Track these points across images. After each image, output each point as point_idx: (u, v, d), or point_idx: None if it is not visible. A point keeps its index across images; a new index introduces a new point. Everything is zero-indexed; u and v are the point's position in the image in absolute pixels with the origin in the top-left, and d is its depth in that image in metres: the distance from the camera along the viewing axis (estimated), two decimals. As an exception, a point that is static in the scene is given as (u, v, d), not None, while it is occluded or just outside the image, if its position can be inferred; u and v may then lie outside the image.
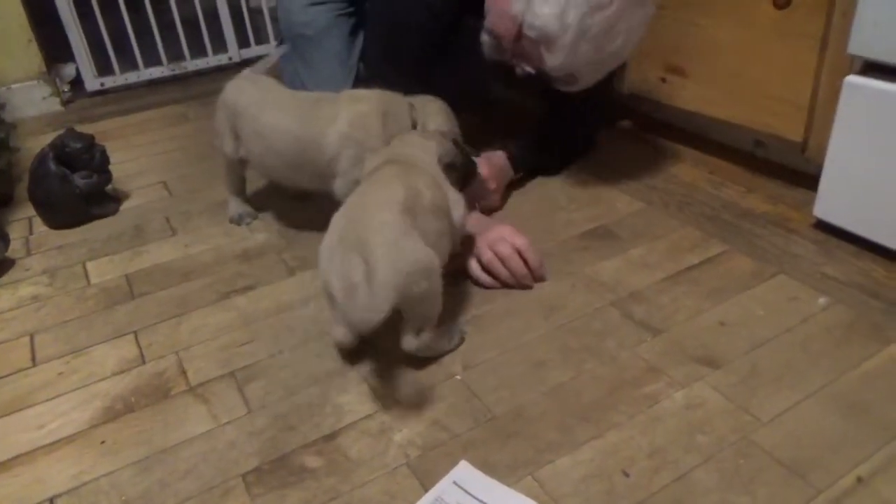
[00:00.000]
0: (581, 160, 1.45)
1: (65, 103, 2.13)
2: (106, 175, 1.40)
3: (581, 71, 1.10)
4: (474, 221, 1.09)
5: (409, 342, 0.89)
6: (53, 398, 0.93)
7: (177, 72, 2.27)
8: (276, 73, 1.28)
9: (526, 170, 1.36)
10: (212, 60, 2.30)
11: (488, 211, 1.24)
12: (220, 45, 2.29)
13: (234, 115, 1.20)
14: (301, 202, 1.35)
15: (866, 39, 0.99)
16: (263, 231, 1.30)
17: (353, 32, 1.52)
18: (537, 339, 0.96)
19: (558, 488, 0.73)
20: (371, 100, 1.14)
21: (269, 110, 1.16)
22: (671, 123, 1.52)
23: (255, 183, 1.46)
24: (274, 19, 2.28)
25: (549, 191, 1.35)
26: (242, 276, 1.16)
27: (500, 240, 1.05)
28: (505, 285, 1.07)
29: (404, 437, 0.82)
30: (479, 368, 0.92)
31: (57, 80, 2.12)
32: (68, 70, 2.20)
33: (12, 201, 1.49)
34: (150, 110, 2.04)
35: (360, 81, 1.46)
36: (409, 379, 0.91)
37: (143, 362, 0.98)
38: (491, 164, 1.25)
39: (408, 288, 0.82)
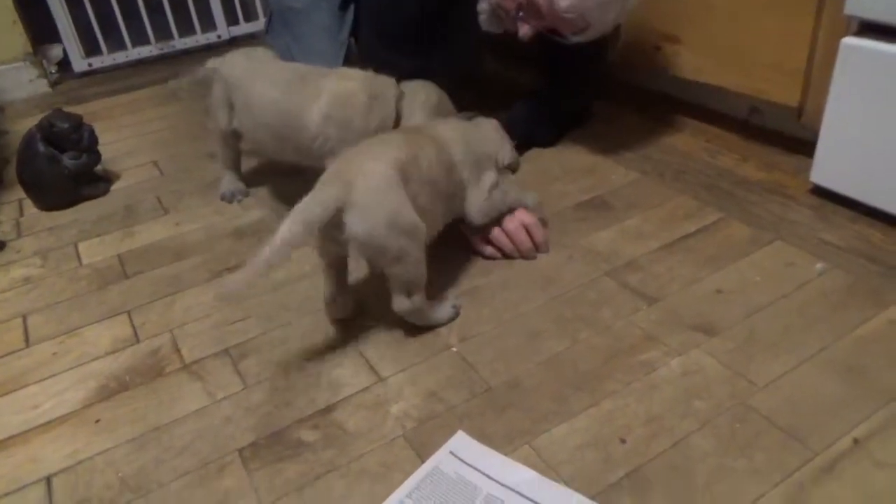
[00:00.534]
0: (575, 131, 1.43)
1: (52, 85, 2.10)
2: (95, 155, 1.39)
3: (592, 12, 1.05)
4: None
5: (400, 303, 0.89)
6: (47, 378, 0.93)
7: (165, 51, 2.24)
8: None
9: (520, 142, 1.34)
10: (200, 39, 2.27)
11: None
12: (208, 23, 2.26)
13: (228, 87, 1.19)
14: (293, 178, 1.34)
15: (863, -1, 0.97)
16: (256, 208, 1.29)
17: (343, 7, 1.49)
18: (533, 310, 0.96)
19: (555, 456, 0.73)
20: (359, 80, 1.10)
21: (259, 81, 1.15)
22: (666, 93, 1.50)
23: (248, 161, 1.44)
24: (262, -5, 2.25)
25: (543, 162, 1.34)
26: (235, 254, 1.15)
27: (506, 215, 1.04)
28: (507, 257, 1.06)
29: (400, 409, 0.82)
30: (476, 340, 0.91)
31: (44, 61, 2.09)
32: (55, 51, 2.17)
33: (2, 184, 1.48)
34: (138, 90, 2.01)
35: (352, 58, 1.44)
36: (405, 351, 0.90)
37: (137, 341, 0.98)
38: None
39: (380, 239, 0.82)
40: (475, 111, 1.12)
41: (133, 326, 1.01)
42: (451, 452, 0.74)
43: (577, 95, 1.42)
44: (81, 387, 0.90)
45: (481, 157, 1.00)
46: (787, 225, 1.08)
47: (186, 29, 2.24)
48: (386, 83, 1.12)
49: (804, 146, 1.19)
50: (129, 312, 1.04)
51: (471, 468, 0.71)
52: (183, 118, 1.77)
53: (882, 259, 0.98)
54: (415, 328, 0.93)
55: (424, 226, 0.86)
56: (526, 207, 1.05)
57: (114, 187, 1.44)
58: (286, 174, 1.35)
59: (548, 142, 1.39)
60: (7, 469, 0.79)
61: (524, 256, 1.05)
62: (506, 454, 0.74)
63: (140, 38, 2.20)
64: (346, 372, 0.88)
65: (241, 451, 0.78)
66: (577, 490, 0.69)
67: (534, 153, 1.37)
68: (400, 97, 1.12)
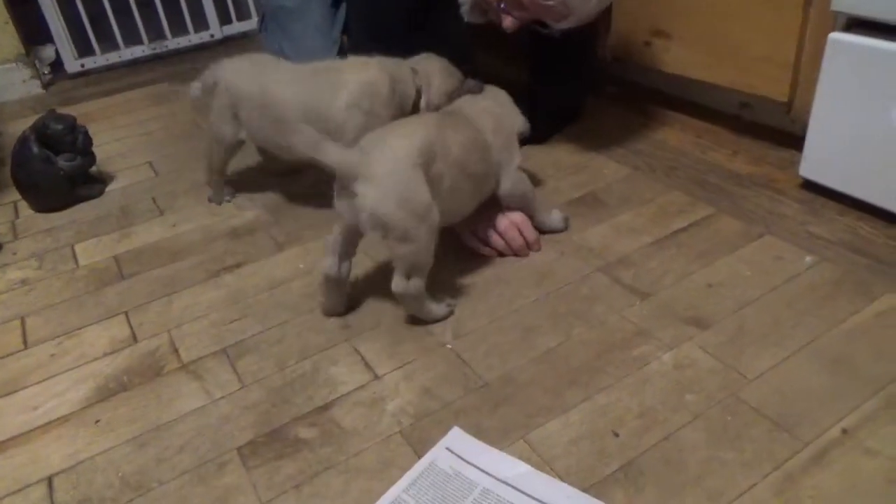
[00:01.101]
0: (566, 127, 1.44)
1: (45, 86, 2.10)
2: (90, 156, 1.39)
3: None
4: None
5: (398, 283, 0.89)
6: (46, 379, 0.93)
7: (158, 51, 2.24)
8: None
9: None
10: (193, 38, 2.27)
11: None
12: (201, 23, 2.26)
13: (235, 97, 1.16)
14: (288, 178, 1.35)
15: (849, -5, 0.98)
16: (251, 208, 1.30)
17: (335, 4, 1.50)
18: (527, 306, 0.97)
19: (549, 450, 0.74)
20: (377, 67, 1.13)
21: (274, 84, 1.14)
22: (657, 88, 1.51)
23: (241, 160, 1.45)
24: (255, -6, 2.25)
25: (535, 159, 1.35)
26: (231, 254, 1.16)
27: (497, 214, 1.05)
28: (500, 255, 1.07)
29: (397, 406, 0.83)
30: (470, 337, 0.92)
31: (36, 62, 2.09)
32: (48, 52, 2.17)
33: (-4, 186, 1.48)
34: (132, 90, 2.01)
35: (343, 55, 1.45)
36: (401, 349, 0.91)
37: (135, 341, 0.99)
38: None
39: (388, 215, 0.83)
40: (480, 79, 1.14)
41: (131, 327, 1.01)
42: (447, 448, 0.75)
43: (567, 92, 1.43)
44: (81, 387, 0.91)
45: (510, 137, 1.03)
46: (776, 219, 1.09)
47: (179, 29, 2.24)
48: (399, 63, 1.15)
49: (794, 140, 1.20)
50: (126, 313, 1.05)
51: (466, 463, 0.73)
52: (176, 118, 1.77)
53: (870, 252, 1.00)
54: (410, 326, 0.95)
55: (437, 210, 0.87)
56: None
57: (109, 188, 1.44)
58: (281, 173, 1.37)
59: (539, 138, 1.39)
60: (8, 470, 0.80)
61: (517, 254, 1.06)
62: (501, 449, 0.75)
63: (133, 39, 2.19)
64: (343, 370, 0.89)
65: (239, 449, 0.79)
66: (572, 483, 0.70)
67: (525, 150, 1.36)
68: (414, 74, 1.14)
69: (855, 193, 1.07)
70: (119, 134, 1.70)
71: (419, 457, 0.75)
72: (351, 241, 0.94)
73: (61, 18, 2.05)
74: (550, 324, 0.93)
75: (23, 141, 1.33)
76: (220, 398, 0.87)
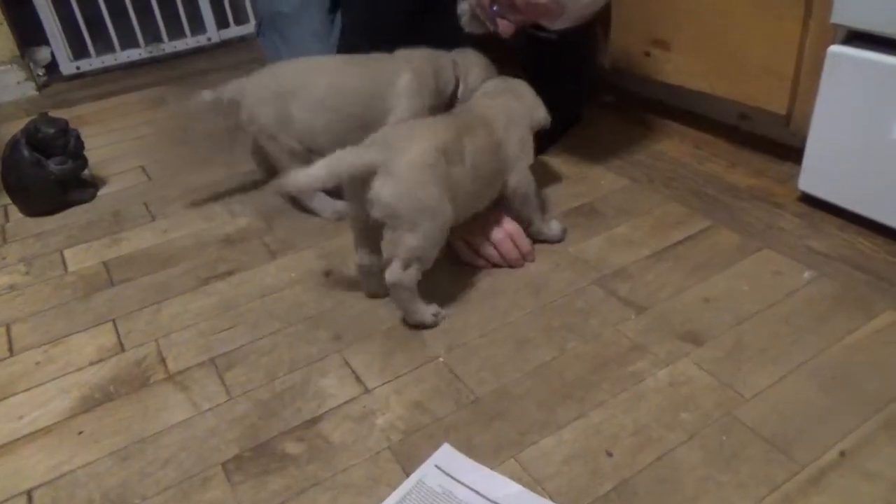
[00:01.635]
0: (564, 137, 1.43)
1: (40, 88, 2.08)
2: (81, 160, 1.37)
3: None
4: None
5: (394, 272, 0.90)
6: (32, 388, 0.91)
7: (154, 54, 2.22)
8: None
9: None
10: (190, 42, 2.26)
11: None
12: (198, 26, 2.25)
13: (282, 100, 1.15)
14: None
15: (850, 8, 0.97)
16: (244, 215, 1.28)
17: (333, 10, 1.49)
18: (521, 318, 0.95)
19: (542, 469, 0.73)
20: (424, 57, 1.18)
21: (325, 78, 1.16)
22: (656, 98, 1.50)
23: (236, 165, 1.44)
24: (253, -2, 2.24)
25: (532, 169, 1.33)
26: (223, 261, 1.15)
27: (491, 224, 1.04)
28: (494, 266, 1.05)
29: (386, 420, 0.81)
30: (462, 350, 0.91)
31: (31, 63, 2.08)
32: (43, 53, 2.16)
33: (-13, 189, 1.46)
34: (127, 93, 2.00)
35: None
36: (392, 362, 0.90)
37: (122, 350, 0.97)
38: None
39: (402, 209, 0.86)
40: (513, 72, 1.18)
41: (118, 335, 1.00)
42: (437, 466, 0.73)
43: (565, 101, 1.41)
44: (65, 397, 0.89)
45: (524, 134, 1.05)
46: (775, 233, 1.08)
47: (176, 32, 2.23)
48: (442, 55, 1.21)
49: (793, 153, 1.19)
50: (114, 321, 1.03)
51: (456, 482, 0.71)
52: (171, 122, 1.75)
53: (870, 268, 0.99)
54: (402, 339, 0.93)
55: (451, 211, 0.89)
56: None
57: (101, 193, 1.42)
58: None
59: (536, 148, 1.38)
60: (-12, 482, 0.78)
61: (511, 266, 1.05)
62: (492, 467, 0.73)
63: (129, 41, 2.18)
64: (333, 382, 0.87)
65: (224, 464, 0.77)
66: None
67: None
68: (455, 65, 1.20)
69: (855, 208, 1.06)
70: (112, 137, 1.69)
71: (408, 474, 0.74)
72: (369, 235, 0.95)
73: (57, 20, 2.04)
74: (544, 337, 0.91)
75: (13, 144, 1.31)
76: (206, 410, 0.85)
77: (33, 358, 0.97)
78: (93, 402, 0.88)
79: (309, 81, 1.16)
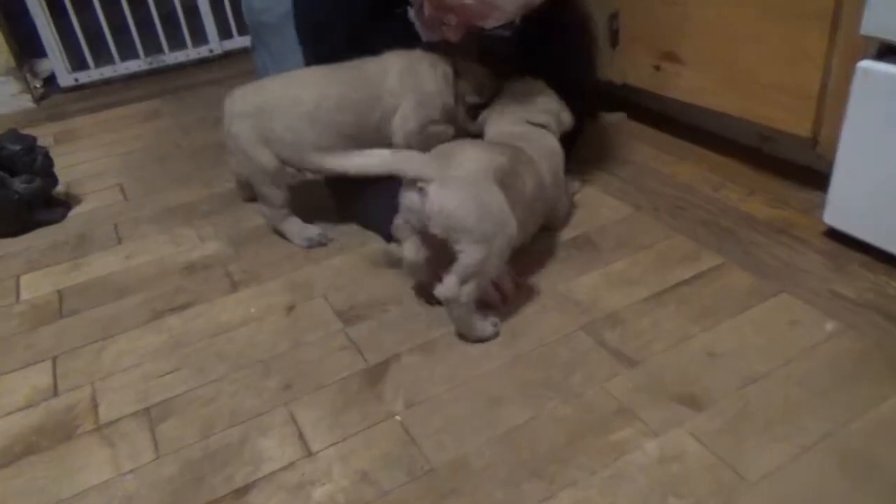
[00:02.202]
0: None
1: (37, 100, 2.04)
2: (50, 179, 1.30)
3: None
4: None
5: (450, 287, 0.83)
6: (-48, 436, 0.83)
7: (155, 65, 2.16)
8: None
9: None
10: (192, 53, 2.20)
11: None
12: (200, 38, 2.18)
13: (262, 117, 1.05)
14: (258, 207, 1.24)
15: (882, 18, 0.84)
16: (214, 239, 1.19)
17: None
18: (495, 370, 0.84)
19: (495, 565, 0.61)
20: (411, 54, 1.10)
21: (311, 89, 1.06)
22: (667, 115, 1.37)
23: (215, 185, 1.35)
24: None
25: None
26: (181, 292, 1.05)
27: None
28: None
29: (325, 492, 0.70)
30: (424, 406, 0.79)
31: (28, 75, 2.03)
32: (44, 66, 2.12)
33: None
34: (124, 106, 1.94)
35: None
36: (342, 419, 0.79)
37: (55, 394, 0.88)
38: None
39: (468, 221, 0.81)
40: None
41: (54, 376, 0.91)
42: (371, 557, 0.62)
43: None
44: (-16, 448, 0.80)
45: (560, 174, 1.04)
46: (794, 274, 0.94)
47: (177, 43, 2.17)
48: (439, 58, 1.11)
49: (820, 179, 1.05)
50: (54, 359, 0.94)
51: (390, 580, 0.60)
52: (161, 135, 1.69)
53: (904, 319, 0.85)
54: (357, 391, 0.82)
55: (516, 224, 0.85)
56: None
57: (73, 212, 1.35)
58: (253, 200, 1.26)
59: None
60: None
61: (489, 308, 0.93)
62: (437, 560, 0.62)
63: (129, 53, 2.13)
64: (273, 443, 0.77)
65: (134, 541, 0.67)
66: None
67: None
68: (456, 73, 1.12)
69: (886, 246, 0.92)
70: (98, 153, 1.62)
71: (339, 564, 0.62)
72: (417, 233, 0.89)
73: (55, 32, 1.99)
74: (519, 394, 0.80)
75: (-24, 162, 1.24)
76: (128, 472, 0.75)
77: (-37, 399, 0.89)
78: (11, 457, 0.79)
79: (295, 95, 1.06)
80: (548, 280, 0.98)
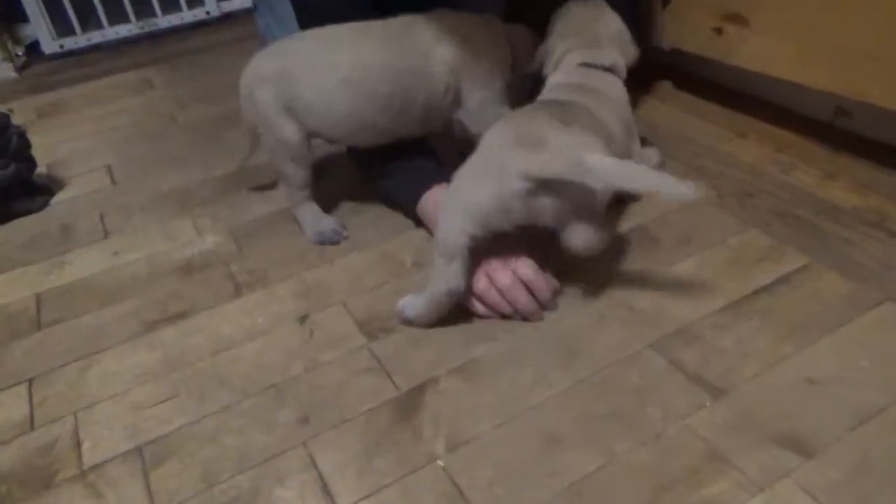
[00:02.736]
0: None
1: (19, 69, 1.87)
2: (27, 163, 1.16)
3: None
4: None
5: (587, 235, 0.75)
6: None
7: (147, 30, 2.00)
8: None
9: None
10: (187, 16, 2.03)
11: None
12: (195, -2, 2.01)
13: (286, 84, 0.89)
14: (265, 194, 1.10)
15: None
16: (213, 232, 1.05)
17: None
18: (550, 400, 0.70)
19: None
20: (466, 17, 0.95)
21: (345, 51, 0.89)
22: (726, 85, 1.21)
23: (214, 167, 1.21)
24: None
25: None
26: (177, 298, 0.92)
27: (498, 264, 0.78)
28: (502, 317, 0.80)
29: (357, 565, 0.57)
30: (470, 448, 0.66)
31: (9, 42, 1.87)
32: (26, 31, 1.95)
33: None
34: (113, 75, 1.78)
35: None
36: (374, 464, 0.66)
37: (32, 428, 0.75)
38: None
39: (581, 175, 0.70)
40: None
41: (31, 404, 0.78)
42: None
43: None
44: (-55, 499, 0.68)
45: (630, 122, 0.91)
46: (898, 277, 0.80)
47: (171, 5, 2.00)
48: (493, 19, 0.99)
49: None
50: (30, 381, 0.81)
51: None
52: (153, 109, 1.53)
53: None
54: (389, 427, 0.69)
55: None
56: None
57: (55, 199, 1.21)
58: (258, 189, 1.12)
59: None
60: None
61: (526, 318, 0.79)
62: None
63: (119, 16, 1.95)
64: (291, 494, 0.64)
65: None
66: None
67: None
68: (507, 32, 0.98)
69: None
70: (83, 129, 1.47)
71: None
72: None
73: (36, -7, 1.82)
74: (582, 432, 0.66)
75: (-58, 145, 1.10)
76: (115, 534, 0.62)
77: (-76, 432, 0.76)
78: (-23, 509, 0.66)
79: (327, 58, 0.89)
80: (602, 283, 0.84)
